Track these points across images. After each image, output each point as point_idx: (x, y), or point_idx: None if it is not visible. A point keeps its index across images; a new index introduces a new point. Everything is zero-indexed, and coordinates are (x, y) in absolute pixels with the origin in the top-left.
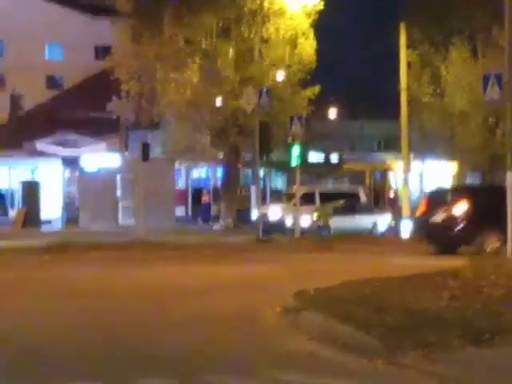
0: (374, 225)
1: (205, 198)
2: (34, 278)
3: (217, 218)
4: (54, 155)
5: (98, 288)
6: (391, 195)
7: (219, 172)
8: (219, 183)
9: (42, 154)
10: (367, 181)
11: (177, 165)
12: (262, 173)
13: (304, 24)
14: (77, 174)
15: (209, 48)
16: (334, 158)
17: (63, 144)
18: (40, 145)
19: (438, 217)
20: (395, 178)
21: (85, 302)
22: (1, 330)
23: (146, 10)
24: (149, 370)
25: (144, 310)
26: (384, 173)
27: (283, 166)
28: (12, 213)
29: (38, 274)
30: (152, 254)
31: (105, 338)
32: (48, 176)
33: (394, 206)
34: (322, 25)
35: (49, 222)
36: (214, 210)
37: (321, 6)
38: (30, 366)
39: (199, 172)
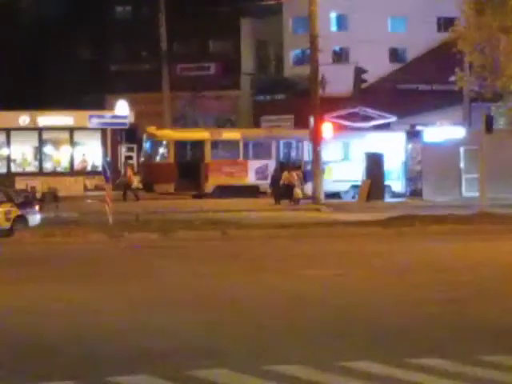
0: None
1: None
2: (370, 251)
3: None
4: (397, 127)
5: (438, 263)
6: None
7: None
8: None
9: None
10: None
11: None
12: None
13: None
14: (420, 146)
15: None
16: None
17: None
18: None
19: None
20: None
21: (426, 277)
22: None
23: None
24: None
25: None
26: None
27: None
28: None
29: (377, 248)
30: (497, 227)
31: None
32: (391, 148)
33: None
34: None
35: (392, 194)
36: None
37: None
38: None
39: None
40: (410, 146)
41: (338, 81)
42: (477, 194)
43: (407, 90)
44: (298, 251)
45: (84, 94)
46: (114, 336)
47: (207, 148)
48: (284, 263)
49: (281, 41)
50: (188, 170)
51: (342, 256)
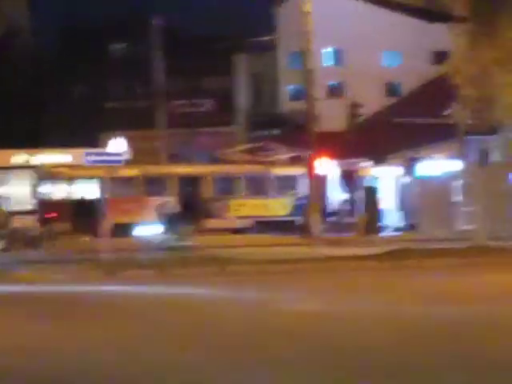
0: None
1: None
2: (362, 285)
3: None
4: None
5: (433, 295)
6: None
7: None
8: None
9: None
10: None
11: None
12: None
13: None
14: (415, 180)
15: None
16: None
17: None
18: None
19: None
20: None
21: (422, 310)
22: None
23: (483, 15)
24: None
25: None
26: None
27: None
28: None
29: (369, 282)
30: (490, 260)
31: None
32: (385, 181)
33: None
34: None
35: (388, 228)
36: None
37: None
38: None
39: None
40: (406, 179)
41: (333, 115)
42: (472, 228)
43: (402, 124)
44: (292, 286)
45: (79, 131)
46: None
47: (104, 185)
48: (273, 298)
49: (276, 76)
50: (85, 208)
51: (330, 291)
